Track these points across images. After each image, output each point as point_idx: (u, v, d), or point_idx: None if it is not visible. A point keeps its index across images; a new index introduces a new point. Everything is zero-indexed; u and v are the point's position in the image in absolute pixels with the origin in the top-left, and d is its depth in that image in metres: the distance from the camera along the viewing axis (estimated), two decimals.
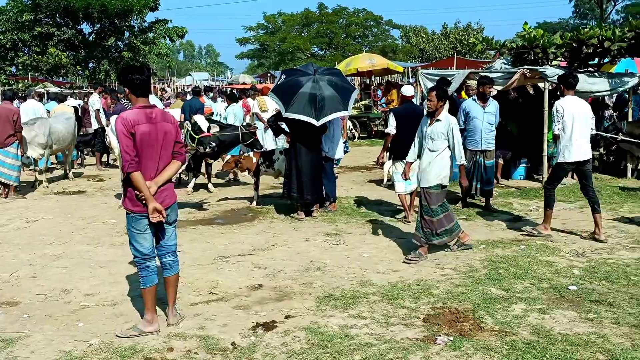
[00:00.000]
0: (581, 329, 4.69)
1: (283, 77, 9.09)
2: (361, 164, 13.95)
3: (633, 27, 10.24)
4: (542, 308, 5.12)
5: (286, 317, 5.12)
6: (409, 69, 28.50)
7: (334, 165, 11.31)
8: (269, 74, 39.84)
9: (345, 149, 11.64)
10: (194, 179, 11.22)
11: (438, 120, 6.81)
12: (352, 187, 11.43)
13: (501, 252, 6.84)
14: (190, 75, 52.66)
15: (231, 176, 12.57)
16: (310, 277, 6.20)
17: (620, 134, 10.73)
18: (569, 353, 4.27)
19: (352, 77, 24.53)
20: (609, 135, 10.80)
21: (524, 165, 11.61)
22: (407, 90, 9.06)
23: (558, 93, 10.89)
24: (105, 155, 14.76)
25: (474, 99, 9.23)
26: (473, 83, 9.43)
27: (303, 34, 53.46)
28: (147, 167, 4.64)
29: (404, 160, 7.58)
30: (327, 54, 51.90)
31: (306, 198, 8.86)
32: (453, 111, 9.75)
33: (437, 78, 11.16)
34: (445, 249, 6.92)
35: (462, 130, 8.19)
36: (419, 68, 12.71)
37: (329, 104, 8.56)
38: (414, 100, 9.90)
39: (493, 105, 9.14)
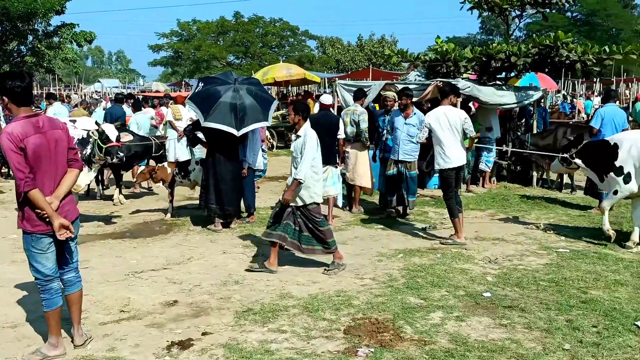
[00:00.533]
0: (496, 334, 4.81)
1: (201, 85, 8.82)
2: (279, 173, 13.85)
3: (537, 44, 10.81)
4: (458, 315, 5.21)
5: (203, 334, 4.93)
6: (326, 80, 28.78)
7: (259, 177, 11.22)
8: (183, 82, 39.04)
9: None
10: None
11: (298, 136, 6.66)
12: (270, 197, 11.29)
13: (418, 260, 6.94)
14: (99, 82, 50.72)
15: (136, 188, 12.11)
16: (228, 291, 6.02)
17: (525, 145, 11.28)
18: (485, 359, 4.35)
19: (269, 87, 24.46)
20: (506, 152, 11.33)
21: (438, 174, 11.91)
22: (326, 99, 9.38)
23: (470, 104, 11.33)
24: (4, 166, 13.83)
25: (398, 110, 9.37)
26: (389, 94, 9.57)
27: (219, 43, 52.86)
28: (44, 181, 4.27)
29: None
30: (243, 63, 51.56)
31: (227, 209, 8.66)
32: (371, 121, 9.90)
33: (354, 89, 11.27)
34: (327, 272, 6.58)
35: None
36: (336, 79, 12.82)
37: (250, 114, 8.43)
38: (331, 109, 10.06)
39: (416, 118, 8.98)
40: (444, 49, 11.63)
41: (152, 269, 6.83)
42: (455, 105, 8.69)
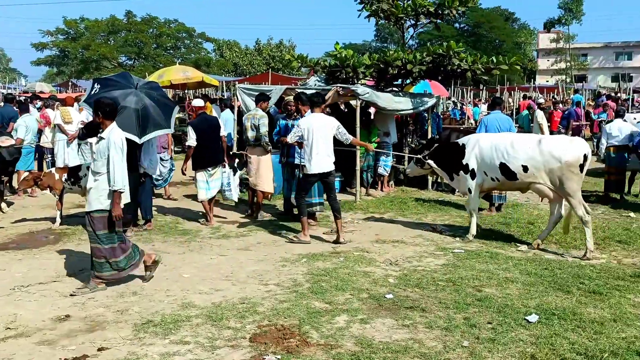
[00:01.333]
0: (399, 335, 4.91)
1: (97, 87, 8.23)
2: (176, 179, 13.44)
3: (431, 53, 11.25)
4: (363, 318, 5.27)
5: (99, 349, 4.66)
6: (224, 83, 28.42)
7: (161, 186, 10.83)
8: (70, 83, 37.02)
9: (171, 167, 11.17)
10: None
11: (101, 138, 6.18)
12: (167, 203, 10.98)
13: (322, 264, 6.98)
14: None
15: (20, 195, 11.31)
16: (125, 303, 5.74)
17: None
18: None
19: (166, 90, 23.78)
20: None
21: (338, 179, 12.08)
22: (198, 102, 9.70)
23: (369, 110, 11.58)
24: None
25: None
26: (291, 98, 9.61)
27: (109, 42, 50.74)
28: None
29: (208, 169, 9.04)
30: (136, 64, 49.85)
31: (124, 217, 8.26)
32: (272, 126, 9.87)
33: (255, 92, 11.19)
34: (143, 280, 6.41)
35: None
36: (236, 82, 12.66)
37: (151, 120, 8.10)
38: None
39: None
40: (343, 55, 11.82)
41: (41, 282, 6.40)
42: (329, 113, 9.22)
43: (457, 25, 69.74)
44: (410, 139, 12.64)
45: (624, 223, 9.37)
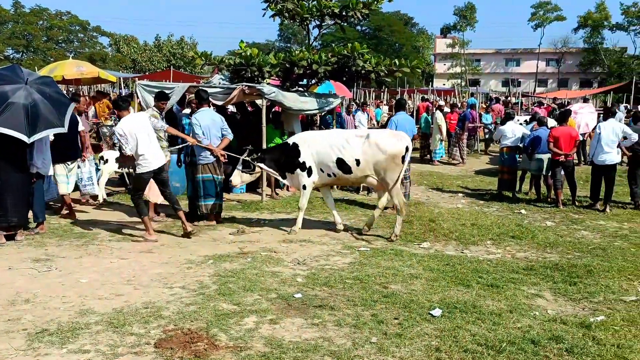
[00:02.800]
0: (309, 334, 4.91)
1: None
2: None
3: (336, 53, 11.37)
4: (272, 318, 5.22)
5: None
6: (122, 79, 27.34)
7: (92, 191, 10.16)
8: None
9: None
10: None
11: None
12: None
13: (229, 266, 6.85)
14: None
15: None
16: (17, 311, 5.35)
17: None
18: None
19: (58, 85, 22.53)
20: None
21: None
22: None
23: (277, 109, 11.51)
24: None
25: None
26: (191, 96, 9.42)
27: None
28: None
29: (67, 163, 9.07)
30: (24, 57, 46.88)
31: (11, 220, 7.73)
32: (171, 122, 9.60)
33: (156, 90, 10.83)
34: None
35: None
36: (136, 79, 12.19)
37: (43, 118, 7.61)
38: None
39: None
40: (248, 53, 11.69)
41: None
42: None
43: (359, 28, 71.37)
44: None
45: (517, 219, 9.93)
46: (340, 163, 8.35)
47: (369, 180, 8.49)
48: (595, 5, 63.04)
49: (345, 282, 6.26)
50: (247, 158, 8.82)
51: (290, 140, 8.88)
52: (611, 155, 10.96)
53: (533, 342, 4.76)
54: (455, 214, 10.05)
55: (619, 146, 11.11)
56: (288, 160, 8.67)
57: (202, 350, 4.55)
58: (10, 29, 48.21)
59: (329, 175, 8.52)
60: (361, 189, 12.43)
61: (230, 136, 9.16)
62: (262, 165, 8.86)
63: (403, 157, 8.24)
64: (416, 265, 6.98)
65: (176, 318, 5.20)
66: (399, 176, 8.31)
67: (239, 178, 9.00)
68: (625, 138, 10.91)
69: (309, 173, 8.53)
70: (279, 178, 9.11)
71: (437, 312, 5.35)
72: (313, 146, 8.50)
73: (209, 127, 8.95)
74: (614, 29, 63.59)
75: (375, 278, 6.40)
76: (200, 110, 9.12)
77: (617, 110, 15.36)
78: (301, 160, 8.54)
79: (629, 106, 26.99)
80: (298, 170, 8.58)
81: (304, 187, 8.62)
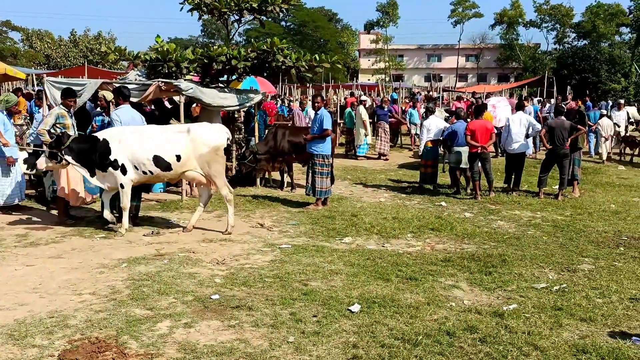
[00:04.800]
0: (225, 337, 4.77)
1: None
2: None
3: (255, 48, 11.20)
4: (187, 322, 5.04)
5: None
6: (34, 76, 26.00)
7: None
8: None
9: None
10: None
11: None
12: None
13: (144, 269, 6.59)
14: None
15: None
16: None
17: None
18: None
19: None
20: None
21: None
22: None
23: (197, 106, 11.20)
24: None
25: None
26: (105, 93, 9.01)
27: None
28: None
29: None
30: None
31: None
32: (84, 120, 9.19)
33: (65, 86, 10.32)
34: None
35: None
36: (45, 75, 11.55)
37: None
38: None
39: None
40: (165, 49, 11.31)
41: None
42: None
43: (283, 23, 71.17)
44: (239, 136, 12.50)
45: (437, 211, 10.13)
46: (157, 160, 8.09)
47: (190, 174, 8.41)
48: (510, 3, 65.59)
49: (264, 281, 6.14)
50: (52, 148, 8.08)
51: (100, 136, 8.22)
52: (519, 144, 11.93)
53: (448, 334, 4.82)
54: (378, 207, 10.15)
55: (528, 137, 12.07)
56: (99, 157, 8.08)
57: (110, 359, 4.32)
58: None
59: (144, 172, 8.15)
60: (285, 185, 12.34)
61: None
62: (69, 158, 8.08)
63: (225, 149, 8.38)
64: (337, 260, 6.96)
65: (83, 327, 4.92)
66: (223, 169, 8.46)
67: (44, 163, 8.19)
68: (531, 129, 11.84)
69: (123, 171, 8.08)
70: (87, 175, 8.27)
71: (355, 307, 5.33)
72: (125, 143, 8.07)
73: (129, 124, 8.66)
74: (528, 25, 66.45)
75: (295, 275, 6.33)
76: (120, 107, 8.86)
77: (526, 104, 16.02)
78: (112, 158, 8.03)
79: (541, 99, 28.23)
80: (111, 169, 8.08)
81: (122, 186, 8.13)
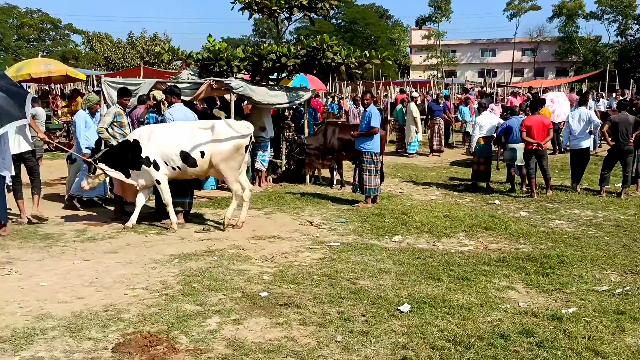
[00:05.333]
0: (273, 334, 4.76)
1: None
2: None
3: (305, 46, 11.20)
4: (236, 319, 5.06)
5: None
6: (94, 77, 26.85)
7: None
8: None
9: None
10: None
11: None
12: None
13: (195, 264, 6.67)
14: None
15: None
16: None
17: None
18: None
19: (28, 84, 22.02)
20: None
21: None
22: None
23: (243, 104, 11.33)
24: None
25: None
26: (157, 93, 9.23)
27: None
28: None
29: None
30: None
31: None
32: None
33: (121, 86, 10.59)
34: None
35: None
36: (102, 76, 11.92)
37: (4, 112, 7.36)
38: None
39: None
40: (217, 47, 11.47)
41: None
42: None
43: (334, 21, 71.13)
44: (288, 133, 12.53)
45: (490, 210, 9.88)
46: (185, 156, 8.22)
47: (212, 171, 8.50)
48: None
49: (313, 279, 6.11)
50: (89, 160, 8.53)
51: (130, 137, 8.50)
52: (581, 140, 11.74)
53: (503, 337, 4.67)
54: (428, 206, 9.98)
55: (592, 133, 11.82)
56: (132, 157, 8.33)
57: (161, 354, 4.38)
58: None
59: (173, 168, 8.32)
60: (334, 183, 12.30)
61: None
62: (102, 166, 8.46)
63: (246, 147, 8.39)
64: (386, 259, 6.86)
65: (136, 321, 5.01)
66: (238, 166, 8.44)
67: (85, 181, 8.67)
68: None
69: (156, 167, 8.27)
70: (122, 178, 8.53)
71: (405, 307, 5.23)
72: (154, 140, 8.26)
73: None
74: (588, 17, 64.22)
75: (344, 274, 6.27)
76: (173, 106, 9.01)
77: (589, 98, 15.41)
78: (144, 155, 8.25)
79: (603, 94, 27.18)
80: (144, 166, 8.28)
81: (158, 182, 8.33)
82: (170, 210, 8.40)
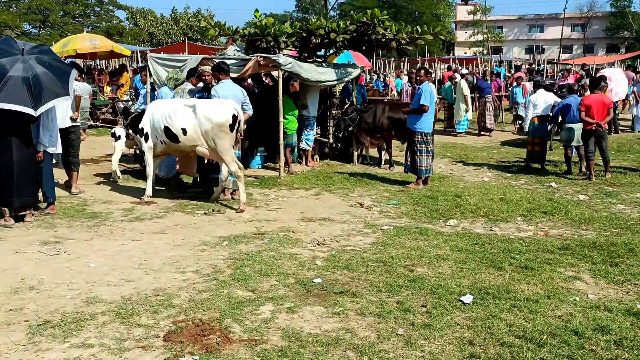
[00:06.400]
0: (329, 325, 4.53)
1: None
2: (86, 156, 12.47)
3: (354, 21, 10.79)
4: (290, 307, 4.84)
5: None
6: (138, 53, 26.97)
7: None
8: None
9: None
10: None
11: None
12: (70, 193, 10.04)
13: (245, 247, 6.49)
14: None
15: None
16: (20, 300, 5.05)
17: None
18: (320, 355, 4.03)
19: (72, 59, 22.21)
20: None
21: (262, 154, 11.58)
22: None
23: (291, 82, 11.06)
24: None
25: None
26: (206, 68, 9.01)
27: (11, 9, 47.23)
28: None
29: None
30: (41, 33, 46.71)
31: (19, 201, 7.46)
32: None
33: (168, 62, 10.44)
34: None
35: None
36: (148, 52, 11.78)
37: (46, 88, 7.26)
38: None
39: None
40: (264, 23, 11.17)
41: None
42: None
43: None
44: (335, 111, 12.22)
45: (547, 193, 9.42)
46: (167, 131, 8.40)
47: (199, 149, 8.42)
48: None
49: (367, 265, 5.85)
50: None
51: (146, 107, 9.02)
52: None
53: (576, 334, 4.33)
54: (482, 188, 9.58)
55: None
56: (137, 125, 8.88)
57: (214, 344, 4.20)
58: (27, 4, 47.93)
59: (161, 142, 8.57)
60: (382, 163, 11.98)
61: (250, 111, 8.97)
62: (130, 131, 9.32)
63: (231, 126, 8.21)
64: (443, 245, 6.54)
65: (187, 307, 4.85)
66: (230, 145, 8.35)
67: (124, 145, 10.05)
68: None
69: (146, 139, 8.63)
70: (142, 142, 8.89)
71: (467, 298, 4.92)
72: (151, 113, 8.58)
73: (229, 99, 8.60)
74: None
75: (400, 260, 5.98)
76: (221, 82, 8.78)
77: None
78: (140, 126, 8.70)
79: None
80: (137, 135, 8.82)
81: (143, 153, 8.89)
82: (149, 182, 8.75)
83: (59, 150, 8.27)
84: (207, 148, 8.32)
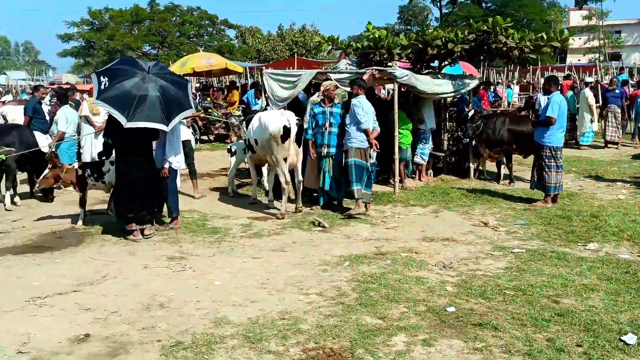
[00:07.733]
0: None
1: (105, 80, 7.36)
2: (202, 170, 12.78)
3: (474, 30, 10.30)
4: (425, 339, 4.50)
5: None
6: (248, 69, 27.71)
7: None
8: None
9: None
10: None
11: None
12: (194, 198, 10.28)
13: (367, 269, 6.21)
14: (5, 74, 47.13)
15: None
16: (152, 318, 5.07)
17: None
18: None
19: (190, 78, 23.16)
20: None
21: (375, 168, 11.30)
22: None
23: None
24: None
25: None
26: (326, 83, 8.93)
27: (133, 32, 50.45)
28: None
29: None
30: (160, 53, 49.49)
31: (145, 215, 7.64)
32: (300, 110, 9.30)
33: (282, 78, 10.45)
34: None
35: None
36: (263, 68, 11.91)
37: (173, 103, 7.44)
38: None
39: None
40: (377, 35, 10.96)
41: (60, 292, 5.76)
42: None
43: (483, 4, 67.88)
44: (450, 124, 11.74)
45: None
46: (249, 142, 9.12)
47: (268, 158, 8.78)
48: None
49: (505, 294, 5.38)
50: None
51: None
52: None
53: None
54: (620, 207, 8.74)
55: None
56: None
57: None
58: (147, 27, 51.03)
59: (252, 152, 9.22)
60: (502, 178, 11.33)
61: (378, 128, 8.91)
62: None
63: (282, 137, 8.29)
64: (587, 272, 5.92)
65: (316, 333, 4.64)
66: (282, 156, 8.49)
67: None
68: None
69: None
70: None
71: (631, 338, 4.33)
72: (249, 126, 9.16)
73: (369, 113, 8.75)
74: None
75: (541, 289, 5.46)
76: (359, 97, 8.78)
77: None
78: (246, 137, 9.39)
79: None
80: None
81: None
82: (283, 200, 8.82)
83: (183, 165, 8.46)
84: (271, 158, 8.64)
